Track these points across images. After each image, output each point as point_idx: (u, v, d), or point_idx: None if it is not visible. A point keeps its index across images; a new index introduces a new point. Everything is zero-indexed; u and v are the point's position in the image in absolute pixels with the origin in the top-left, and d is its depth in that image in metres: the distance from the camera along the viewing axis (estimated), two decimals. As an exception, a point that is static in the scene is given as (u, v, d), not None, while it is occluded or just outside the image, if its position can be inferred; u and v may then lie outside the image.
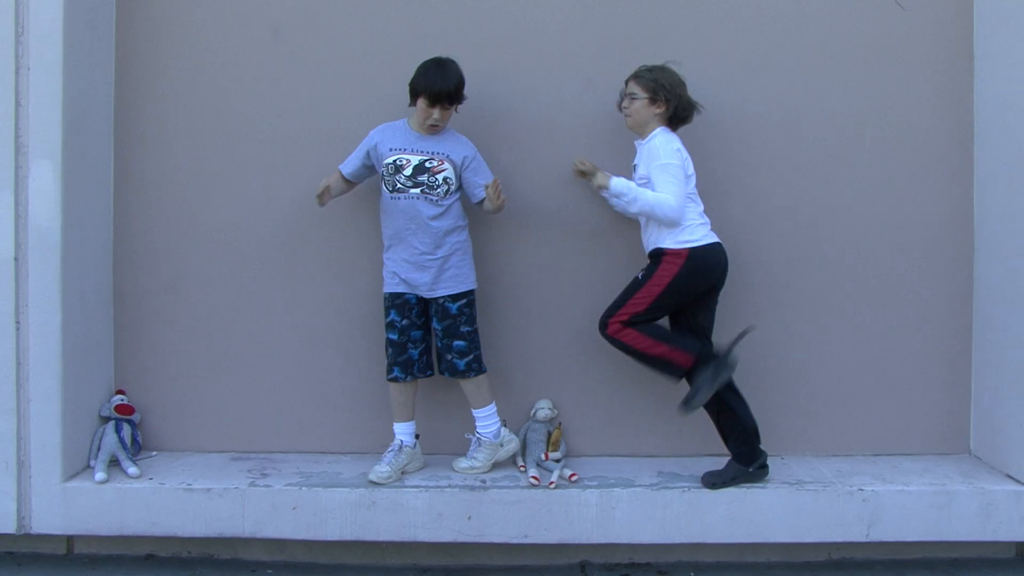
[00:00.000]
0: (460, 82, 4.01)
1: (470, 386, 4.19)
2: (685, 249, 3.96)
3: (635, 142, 4.15)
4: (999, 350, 4.27)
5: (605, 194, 4.17)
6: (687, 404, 3.98)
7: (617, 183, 3.98)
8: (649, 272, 4.02)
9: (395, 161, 4.06)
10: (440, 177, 4.05)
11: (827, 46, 4.43)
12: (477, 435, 4.21)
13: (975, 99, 4.43)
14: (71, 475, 4.08)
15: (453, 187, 4.09)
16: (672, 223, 3.95)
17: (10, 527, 4.00)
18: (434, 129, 4.07)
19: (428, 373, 4.22)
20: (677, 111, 4.08)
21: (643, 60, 4.14)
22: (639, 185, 4.01)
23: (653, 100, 4.03)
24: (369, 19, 4.42)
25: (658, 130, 4.05)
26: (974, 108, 4.44)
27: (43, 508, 4.00)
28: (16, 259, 3.97)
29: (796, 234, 4.44)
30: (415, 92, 4.01)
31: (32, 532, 4.02)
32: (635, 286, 4.02)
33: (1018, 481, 4.09)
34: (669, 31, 4.40)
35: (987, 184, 4.36)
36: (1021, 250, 4.11)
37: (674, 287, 3.97)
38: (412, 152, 4.06)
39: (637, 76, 4.08)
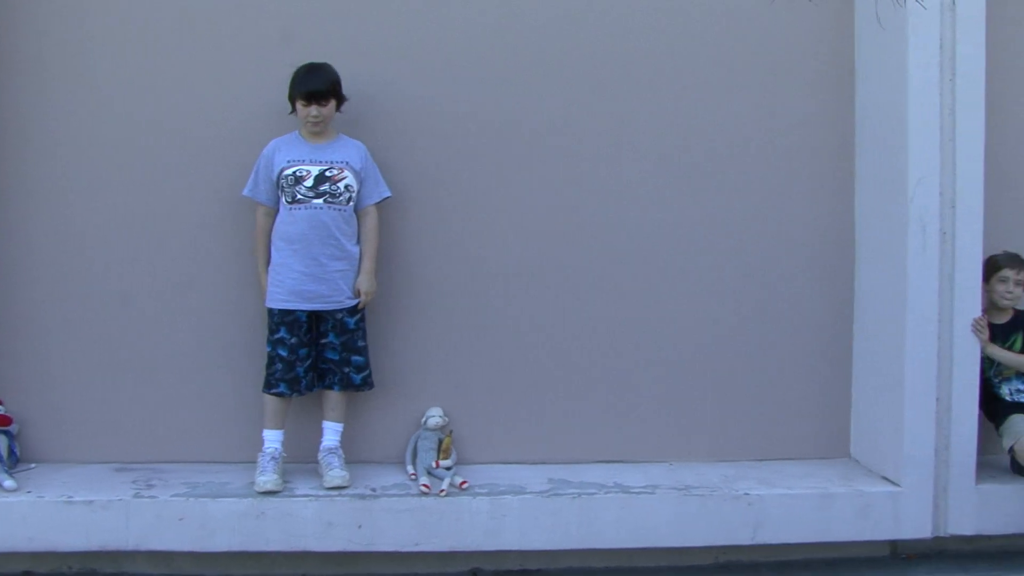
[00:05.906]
0: (333, 80, 4.09)
1: (345, 400, 4.22)
2: None
3: None
4: (875, 357, 4.42)
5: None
6: None
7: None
8: None
9: (294, 172, 4.07)
10: (342, 185, 4.09)
11: (712, 54, 4.50)
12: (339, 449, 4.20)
13: (856, 109, 4.54)
14: (-58, 489, 3.93)
15: (354, 194, 4.12)
16: None
17: None
18: (316, 126, 4.09)
19: (311, 389, 4.20)
20: None
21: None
22: None
23: None
24: (247, 17, 4.37)
25: None
26: (855, 118, 4.55)
27: (-88, 523, 3.84)
28: None
29: (671, 242, 4.50)
30: (292, 97, 4.09)
31: (-103, 549, 3.86)
32: None
33: (892, 482, 4.25)
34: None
35: (866, 193, 4.50)
36: (895, 259, 4.24)
37: None
38: (311, 163, 4.09)
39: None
